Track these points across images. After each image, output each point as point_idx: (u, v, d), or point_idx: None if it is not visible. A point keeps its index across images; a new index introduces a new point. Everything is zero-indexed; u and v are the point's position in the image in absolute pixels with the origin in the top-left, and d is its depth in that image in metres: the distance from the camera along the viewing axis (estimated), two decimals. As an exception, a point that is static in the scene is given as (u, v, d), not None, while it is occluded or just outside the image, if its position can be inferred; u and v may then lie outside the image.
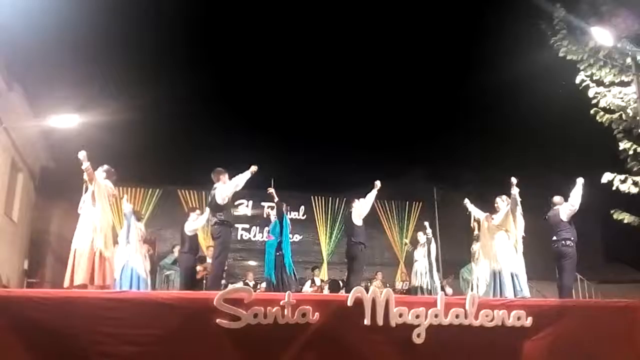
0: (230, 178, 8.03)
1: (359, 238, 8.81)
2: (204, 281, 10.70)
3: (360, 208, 8.91)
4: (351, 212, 9.03)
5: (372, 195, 8.92)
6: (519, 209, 8.42)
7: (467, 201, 9.25)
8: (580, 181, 8.35)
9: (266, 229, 9.20)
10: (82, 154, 6.97)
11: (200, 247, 10.72)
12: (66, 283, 6.86)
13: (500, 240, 8.43)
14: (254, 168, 7.87)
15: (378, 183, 8.95)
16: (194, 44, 18.76)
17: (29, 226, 14.27)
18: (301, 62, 19.68)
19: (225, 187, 7.90)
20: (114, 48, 16.28)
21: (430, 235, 11.32)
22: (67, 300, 5.94)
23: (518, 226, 8.39)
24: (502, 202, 8.62)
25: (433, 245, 11.32)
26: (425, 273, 10.93)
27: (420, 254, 11.30)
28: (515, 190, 8.29)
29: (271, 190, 9.10)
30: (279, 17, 19.19)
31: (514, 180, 8.29)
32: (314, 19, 19.42)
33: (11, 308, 5.67)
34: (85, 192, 7.48)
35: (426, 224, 11.57)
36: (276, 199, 9.12)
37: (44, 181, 14.76)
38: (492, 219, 8.68)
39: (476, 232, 10.00)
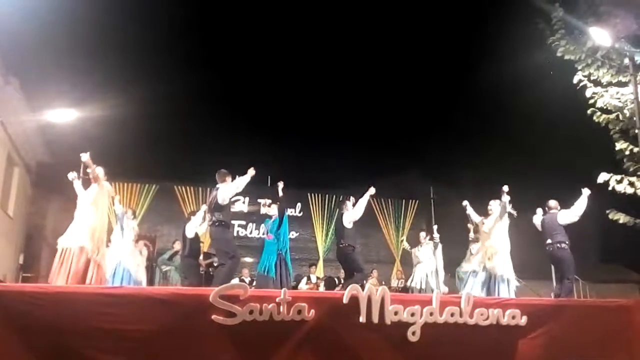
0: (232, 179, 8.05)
1: (347, 241, 8.66)
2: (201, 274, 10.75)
3: (353, 212, 8.73)
4: (342, 214, 8.81)
5: (364, 199, 8.75)
6: (506, 216, 8.49)
7: (466, 203, 9.20)
8: (586, 192, 8.31)
9: (263, 226, 9.06)
10: (85, 157, 7.01)
11: (202, 249, 10.75)
12: (58, 281, 6.78)
13: (489, 244, 8.49)
14: (252, 171, 7.89)
15: (372, 189, 8.83)
16: (192, 40, 18.75)
17: (25, 221, 14.24)
18: (299, 60, 19.68)
19: (227, 188, 7.91)
20: (112, 42, 16.25)
21: (438, 240, 11.00)
22: (62, 295, 5.94)
23: (502, 231, 8.47)
24: (496, 206, 8.62)
25: (439, 249, 11.05)
26: (432, 274, 10.80)
27: (424, 254, 11.05)
28: (505, 199, 8.32)
29: (281, 184, 8.99)
30: (277, 16, 19.19)
31: (505, 188, 8.32)
32: (311, 18, 19.42)
33: (6, 302, 5.67)
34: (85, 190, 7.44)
35: (435, 227, 11.32)
36: (281, 194, 9.05)
37: (40, 176, 14.71)
38: (484, 224, 8.70)
39: (471, 234, 10.02)
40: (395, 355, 6.48)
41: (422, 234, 11.43)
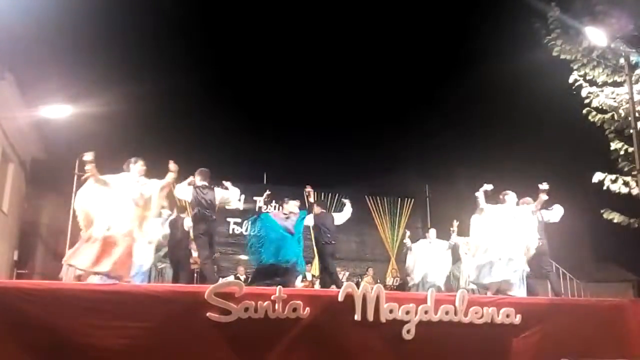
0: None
1: (334, 238, 9.17)
2: (195, 275, 10.72)
3: (344, 215, 9.38)
4: (333, 217, 9.36)
5: (348, 210, 9.39)
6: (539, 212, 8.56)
7: (489, 188, 8.39)
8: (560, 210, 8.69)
9: (258, 224, 9.03)
10: (174, 165, 7.80)
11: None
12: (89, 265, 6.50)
13: (519, 236, 8.23)
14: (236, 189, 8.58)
15: (348, 204, 9.42)
16: (188, 37, 18.70)
17: (19, 217, 14.18)
18: (296, 57, 19.66)
19: (227, 195, 8.43)
20: (108, 38, 16.17)
21: (453, 244, 10.50)
22: (57, 291, 5.92)
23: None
24: (512, 198, 8.38)
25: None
26: (434, 271, 10.57)
27: (432, 251, 10.47)
28: (544, 197, 8.37)
29: (309, 190, 9.38)
30: (274, 15, 19.17)
31: (545, 186, 8.34)
32: (307, 17, 19.41)
33: (1, 299, 5.64)
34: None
35: (453, 230, 10.55)
36: (312, 199, 9.29)
37: (34, 172, 14.64)
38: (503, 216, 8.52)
39: (455, 232, 9.91)
40: (390, 353, 6.50)
41: (432, 231, 10.85)
